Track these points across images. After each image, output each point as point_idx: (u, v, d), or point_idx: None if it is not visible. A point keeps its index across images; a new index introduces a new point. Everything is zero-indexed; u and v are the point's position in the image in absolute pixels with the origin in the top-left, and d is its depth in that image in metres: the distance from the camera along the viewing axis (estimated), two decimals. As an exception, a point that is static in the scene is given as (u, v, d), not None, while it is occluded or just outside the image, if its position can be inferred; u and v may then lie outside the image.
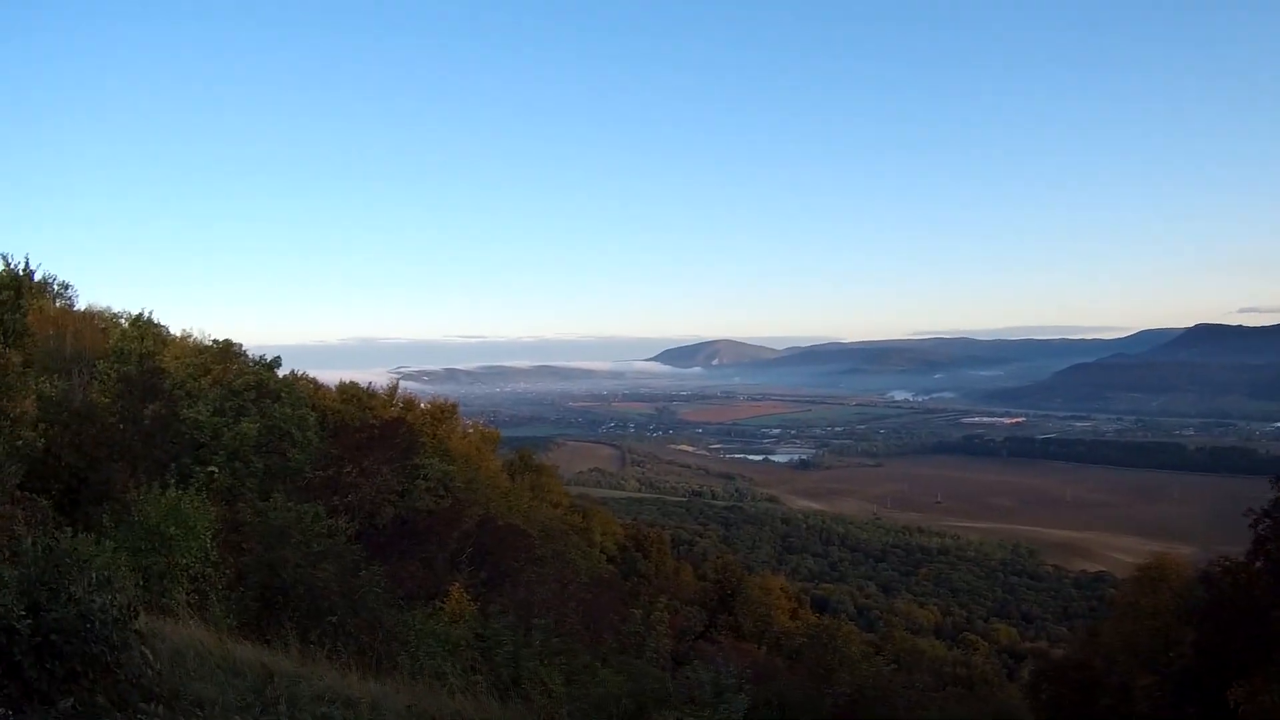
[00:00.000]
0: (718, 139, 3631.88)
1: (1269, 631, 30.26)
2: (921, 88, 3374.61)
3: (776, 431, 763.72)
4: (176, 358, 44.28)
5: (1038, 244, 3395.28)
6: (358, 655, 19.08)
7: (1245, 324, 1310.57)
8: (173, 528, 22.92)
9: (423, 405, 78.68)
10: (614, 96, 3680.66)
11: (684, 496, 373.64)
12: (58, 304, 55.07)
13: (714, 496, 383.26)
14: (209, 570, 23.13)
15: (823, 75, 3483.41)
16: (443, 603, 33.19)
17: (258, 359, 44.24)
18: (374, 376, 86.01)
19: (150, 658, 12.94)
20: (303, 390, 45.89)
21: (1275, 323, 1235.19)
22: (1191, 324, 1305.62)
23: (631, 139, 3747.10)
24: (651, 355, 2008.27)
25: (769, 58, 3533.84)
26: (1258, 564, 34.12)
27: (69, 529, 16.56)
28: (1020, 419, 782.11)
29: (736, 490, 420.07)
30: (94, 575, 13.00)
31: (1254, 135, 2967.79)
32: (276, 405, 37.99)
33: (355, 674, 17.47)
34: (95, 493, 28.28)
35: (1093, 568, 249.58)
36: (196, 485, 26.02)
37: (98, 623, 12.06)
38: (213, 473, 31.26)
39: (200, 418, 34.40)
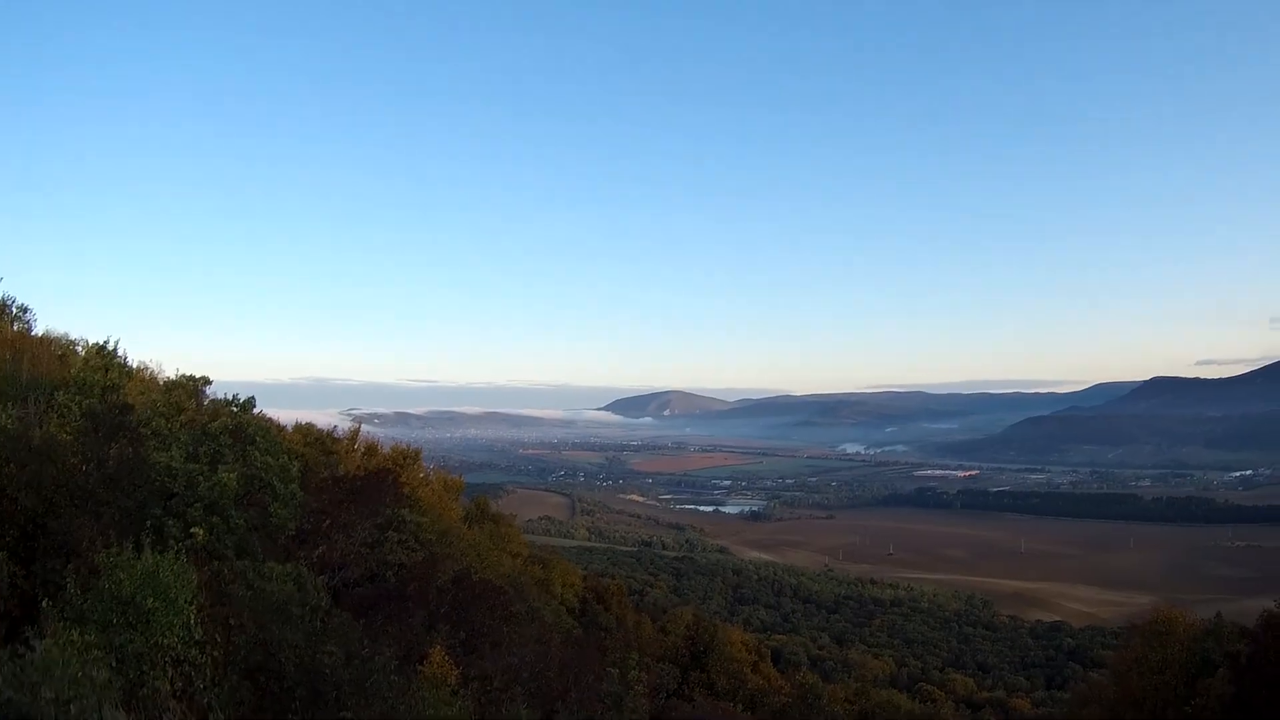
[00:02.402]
0: (670, 191, 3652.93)
1: None
2: (874, 139, 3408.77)
3: (727, 483, 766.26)
4: (142, 393, 41.22)
5: (992, 298, 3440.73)
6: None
7: (1202, 375, 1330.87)
8: (150, 599, 19.66)
9: (385, 451, 75.87)
10: (570, 145, 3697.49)
11: (634, 546, 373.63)
12: (15, 327, 52.01)
13: (664, 547, 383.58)
14: (193, 652, 19.98)
15: (776, 127, 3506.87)
16: (422, 667, 30.80)
17: (229, 397, 41.13)
18: (327, 417, 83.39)
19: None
20: (276, 434, 42.85)
21: (1232, 375, 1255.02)
22: (1148, 377, 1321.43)
23: (585, 190, 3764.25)
24: (603, 404, 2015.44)
25: (719, 104, 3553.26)
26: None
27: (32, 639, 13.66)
28: (974, 471, 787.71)
29: (687, 541, 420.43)
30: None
31: (1211, 190, 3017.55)
32: (254, 451, 35.00)
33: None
34: (55, 543, 25.31)
35: (1049, 617, 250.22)
36: (175, 546, 22.74)
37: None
38: (195, 534, 28.24)
39: (172, 464, 31.37)
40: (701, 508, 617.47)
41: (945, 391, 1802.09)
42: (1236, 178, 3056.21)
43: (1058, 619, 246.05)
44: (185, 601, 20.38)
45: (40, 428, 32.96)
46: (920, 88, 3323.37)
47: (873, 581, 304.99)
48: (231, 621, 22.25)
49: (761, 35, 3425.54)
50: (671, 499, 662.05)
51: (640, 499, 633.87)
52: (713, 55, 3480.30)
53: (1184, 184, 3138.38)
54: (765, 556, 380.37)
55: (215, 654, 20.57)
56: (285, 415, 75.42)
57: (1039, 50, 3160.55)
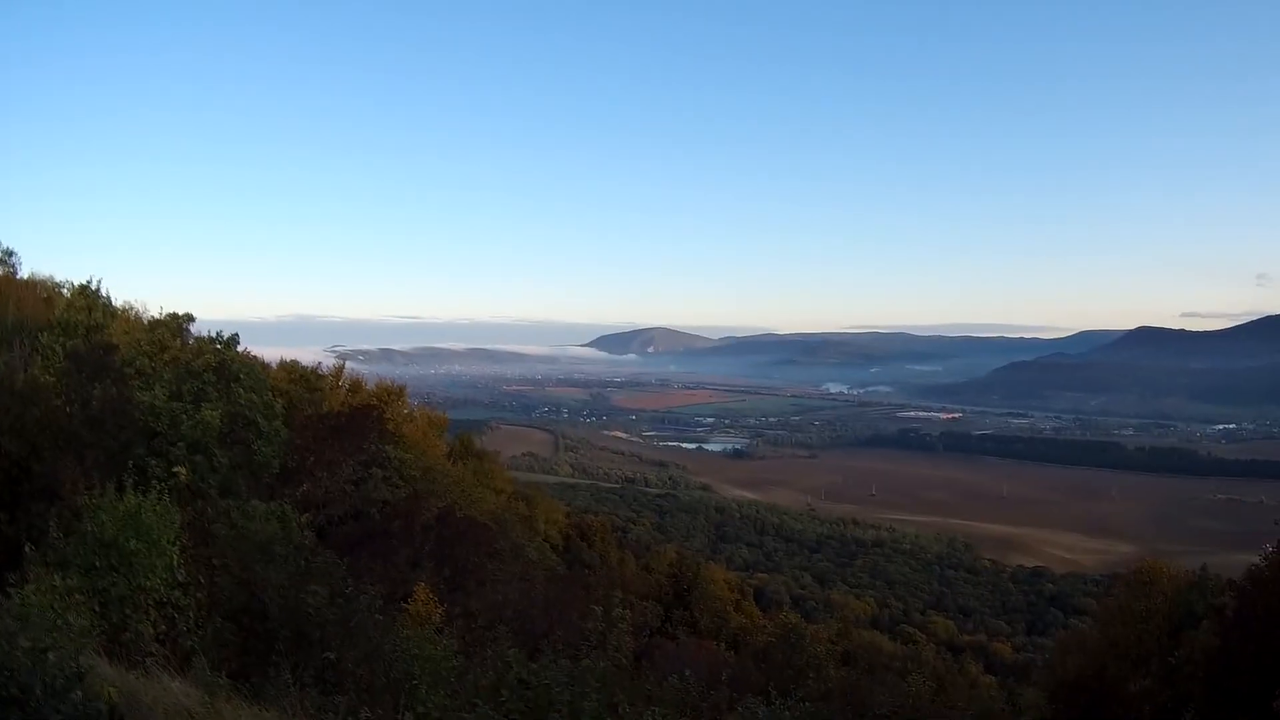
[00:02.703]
0: (655, 126, 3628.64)
1: None
2: (864, 83, 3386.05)
3: (710, 420, 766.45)
4: (126, 332, 40.82)
5: (979, 241, 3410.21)
6: (366, 699, 16.25)
7: (1188, 328, 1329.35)
8: (133, 540, 19.44)
9: (369, 388, 75.55)
10: (553, 79, 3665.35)
11: (617, 483, 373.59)
12: (1, 271, 51.57)
13: (647, 484, 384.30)
14: (176, 594, 19.79)
15: (763, 66, 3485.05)
16: (407, 604, 30.79)
17: (213, 335, 40.65)
18: (311, 355, 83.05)
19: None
20: (261, 371, 42.48)
21: (1217, 328, 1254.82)
22: (1133, 326, 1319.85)
23: (569, 125, 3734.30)
24: (586, 341, 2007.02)
25: (708, 42, 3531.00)
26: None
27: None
28: (957, 415, 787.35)
29: (670, 478, 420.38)
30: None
31: (1202, 141, 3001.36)
32: (239, 389, 34.66)
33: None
34: (39, 487, 25.07)
35: (1030, 563, 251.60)
36: (158, 486, 22.44)
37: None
38: (178, 473, 27.97)
39: (156, 403, 31.01)
40: (685, 445, 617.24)
41: (929, 334, 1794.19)
42: (1228, 134, 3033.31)
43: (1039, 564, 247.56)
44: (168, 542, 20.24)
45: (25, 371, 32.71)
46: (906, 33, 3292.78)
47: (855, 522, 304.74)
48: (215, 562, 22.10)
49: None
50: (655, 436, 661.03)
51: (624, 436, 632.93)
52: (692, 4, 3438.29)
53: (1176, 137, 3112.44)
54: (748, 495, 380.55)
55: (199, 596, 20.46)
56: (270, 353, 74.60)
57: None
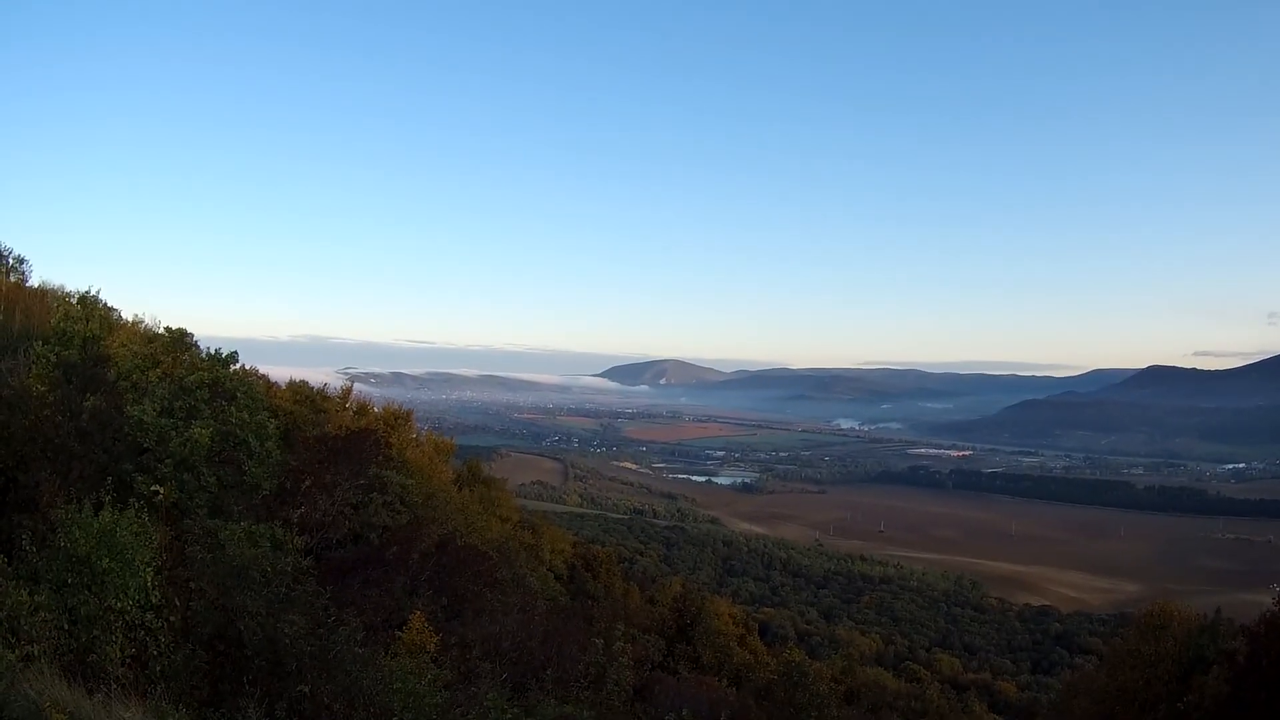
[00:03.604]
0: (673, 160, 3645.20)
1: None
2: (878, 120, 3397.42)
3: (721, 454, 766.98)
4: (124, 345, 40.27)
5: (993, 280, 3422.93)
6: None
7: (1199, 367, 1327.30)
8: (106, 559, 18.77)
9: (376, 411, 74.99)
10: (572, 111, 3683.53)
11: (626, 514, 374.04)
12: (11, 279, 51.19)
13: (656, 515, 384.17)
14: (149, 617, 19.07)
15: (778, 104, 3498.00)
16: (401, 633, 30.14)
17: (211, 352, 40.11)
18: (322, 376, 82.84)
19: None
20: (259, 390, 41.88)
21: (1229, 367, 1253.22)
22: (1144, 365, 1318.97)
23: (586, 157, 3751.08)
24: (599, 371, 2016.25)
25: (718, 78, 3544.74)
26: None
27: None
28: (967, 452, 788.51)
29: (679, 510, 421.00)
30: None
31: (1215, 181, 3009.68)
32: (232, 408, 34.05)
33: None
34: (24, 497, 24.47)
35: (1037, 601, 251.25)
36: (136, 504, 21.81)
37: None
38: (157, 492, 27.33)
39: (145, 418, 30.41)
40: (694, 478, 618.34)
41: (941, 371, 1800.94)
42: (1242, 175, 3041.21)
43: (1046, 603, 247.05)
44: (143, 563, 19.53)
45: (21, 379, 32.18)
46: (924, 70, 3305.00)
47: (862, 558, 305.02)
48: (192, 585, 21.38)
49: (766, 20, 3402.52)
50: (665, 468, 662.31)
51: (633, 467, 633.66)
52: (715, 33, 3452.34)
53: (1188, 178, 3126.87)
54: (756, 529, 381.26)
55: (172, 619, 19.70)
56: (281, 372, 74.63)
57: (1041, 38, 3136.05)
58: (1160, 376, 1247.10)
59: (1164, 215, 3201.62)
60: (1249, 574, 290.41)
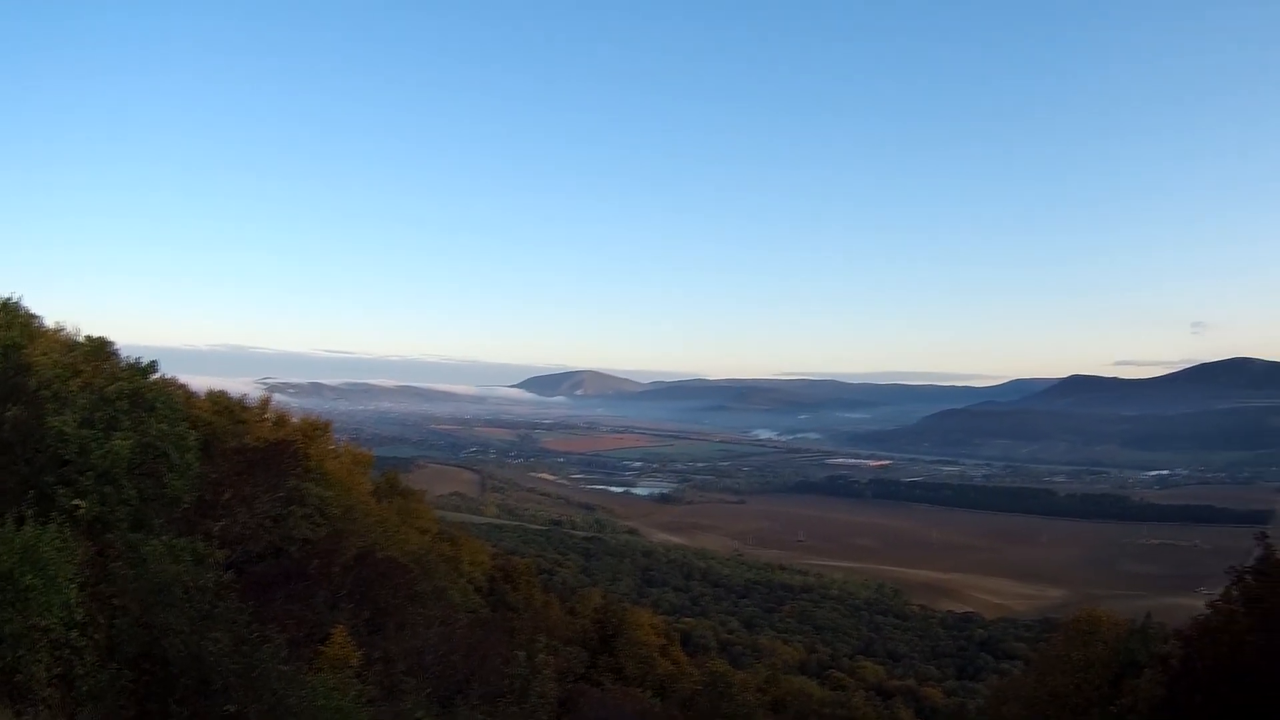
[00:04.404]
0: (588, 170, 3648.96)
1: (1262, 694, 28.42)
2: (791, 120, 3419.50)
3: (639, 464, 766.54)
4: (44, 354, 39.39)
5: (911, 291, 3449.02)
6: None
7: (1121, 376, 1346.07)
8: (29, 576, 18.37)
9: (295, 422, 74.26)
10: (486, 121, 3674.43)
11: (544, 525, 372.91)
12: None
13: (574, 526, 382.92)
14: (74, 635, 18.64)
15: (692, 111, 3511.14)
16: (324, 648, 29.85)
17: (131, 361, 39.40)
18: (241, 386, 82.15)
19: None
20: (179, 401, 41.18)
21: (1152, 375, 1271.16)
22: (1066, 374, 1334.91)
23: (502, 166, 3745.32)
24: (516, 382, 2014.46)
25: (635, 83, 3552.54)
26: (1242, 622, 32.14)
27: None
28: (886, 462, 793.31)
29: (597, 521, 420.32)
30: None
31: (1138, 194, 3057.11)
32: (152, 418, 33.43)
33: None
34: (-57, 515, 23.87)
35: (960, 608, 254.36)
36: (58, 518, 21.31)
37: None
38: (78, 506, 26.75)
39: (66, 429, 29.76)
40: (612, 488, 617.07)
41: (859, 382, 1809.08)
42: (1165, 184, 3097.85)
43: (969, 610, 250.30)
44: (66, 579, 19.14)
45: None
46: (841, 75, 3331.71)
47: (783, 567, 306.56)
48: (115, 602, 20.98)
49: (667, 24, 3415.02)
50: (583, 478, 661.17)
51: (551, 478, 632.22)
52: (625, 39, 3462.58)
53: (1111, 187, 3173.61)
54: (675, 539, 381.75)
55: (97, 637, 19.34)
56: (200, 382, 73.70)
57: (945, 40, 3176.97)
58: (1082, 385, 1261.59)
59: (1085, 225, 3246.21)
60: (1176, 578, 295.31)
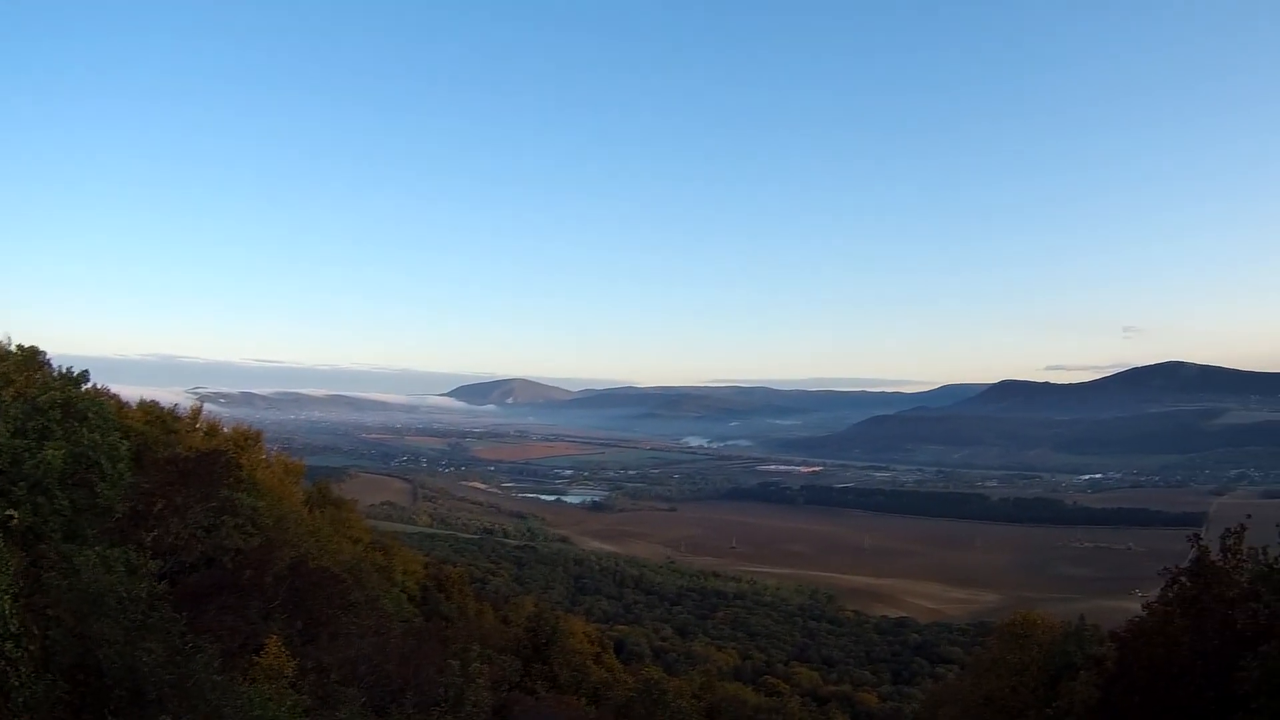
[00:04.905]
0: (515, 178, 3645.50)
1: (1197, 695, 28.76)
2: (723, 136, 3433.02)
3: (569, 472, 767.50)
4: (-24, 363, 38.91)
5: (842, 297, 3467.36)
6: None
7: (1052, 381, 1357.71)
8: (-37, 587, 18.19)
9: (226, 431, 73.73)
10: (414, 129, 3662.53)
11: (476, 534, 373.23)
12: None
13: (506, 535, 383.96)
14: (9, 646, 18.40)
15: (616, 115, 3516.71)
16: (258, 658, 29.61)
17: (63, 371, 39.00)
18: (172, 395, 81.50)
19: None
20: (111, 410, 40.75)
21: (1083, 380, 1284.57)
22: (997, 380, 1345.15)
23: (428, 174, 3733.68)
24: (446, 390, 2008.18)
25: (565, 90, 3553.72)
26: (1176, 623, 32.52)
27: None
28: (818, 468, 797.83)
29: (529, 530, 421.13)
30: None
31: (1068, 198, 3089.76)
32: (84, 428, 33.05)
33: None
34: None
35: (894, 613, 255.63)
36: (-8, 529, 21.07)
37: None
38: (11, 516, 26.36)
39: (-1, 439, 29.40)
40: (544, 497, 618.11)
41: (790, 388, 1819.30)
42: (1095, 188, 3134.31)
43: (903, 614, 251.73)
44: (1, 590, 18.89)
45: None
46: (777, 80, 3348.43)
47: (715, 574, 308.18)
48: (49, 612, 20.73)
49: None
50: (514, 487, 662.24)
51: (482, 486, 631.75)
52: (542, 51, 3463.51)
53: (1040, 193, 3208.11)
54: (607, 547, 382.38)
55: (32, 648, 19.10)
56: (131, 391, 73.34)
57: (896, 40, 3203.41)
58: (1013, 390, 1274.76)
59: (1016, 230, 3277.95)
60: (1110, 580, 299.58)
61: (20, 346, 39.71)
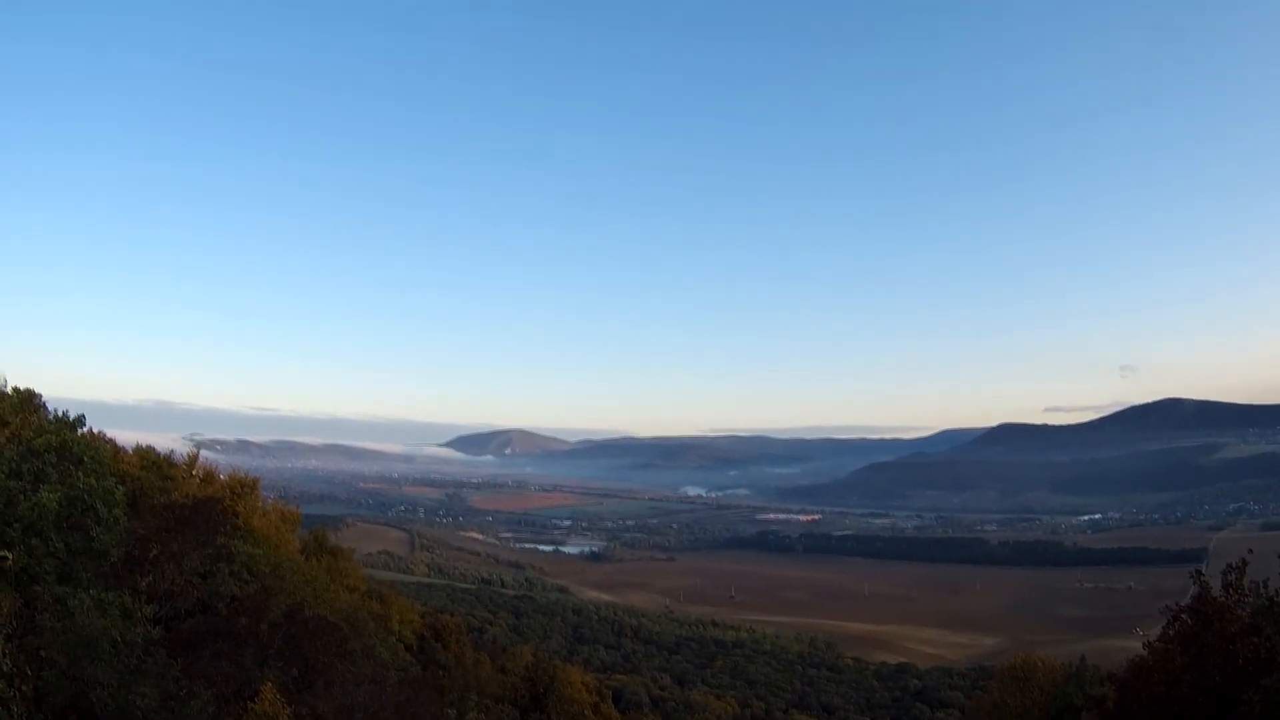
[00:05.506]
0: (512, 226, 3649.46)
1: None
2: (716, 182, 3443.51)
3: (568, 523, 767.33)
4: (-28, 405, 38.94)
5: (838, 345, 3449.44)
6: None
7: (1050, 423, 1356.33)
8: (-43, 627, 18.11)
9: (222, 478, 73.57)
10: (411, 174, 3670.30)
11: (474, 583, 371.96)
12: None
13: (504, 585, 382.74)
14: (1, 685, 18.27)
15: (615, 158, 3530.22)
16: (253, 704, 29.41)
17: (59, 414, 38.95)
18: (169, 441, 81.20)
19: None
20: (106, 455, 40.68)
21: (1081, 421, 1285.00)
22: (995, 424, 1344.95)
23: (427, 223, 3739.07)
24: (444, 440, 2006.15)
25: (565, 134, 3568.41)
26: (1177, 660, 32.35)
27: None
28: (817, 516, 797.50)
29: (527, 579, 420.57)
30: None
31: (1063, 237, 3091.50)
32: (79, 472, 32.97)
33: None
34: None
35: (894, 659, 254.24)
36: (-15, 570, 20.96)
37: None
38: (5, 558, 26.24)
39: (-6, 479, 29.34)
40: (542, 547, 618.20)
41: (788, 437, 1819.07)
42: (1087, 227, 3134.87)
43: (903, 660, 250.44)
44: (-7, 630, 18.81)
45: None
46: (747, 116, 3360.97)
47: (714, 623, 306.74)
48: (42, 654, 20.58)
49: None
50: (512, 537, 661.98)
51: (480, 536, 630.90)
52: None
53: (1032, 232, 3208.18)
54: (606, 597, 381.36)
55: (24, 689, 18.96)
56: (127, 437, 73.06)
57: (875, 75, 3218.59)
58: (1011, 434, 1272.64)
59: (1009, 272, 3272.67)
60: (1110, 620, 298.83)
61: (16, 389, 39.75)
